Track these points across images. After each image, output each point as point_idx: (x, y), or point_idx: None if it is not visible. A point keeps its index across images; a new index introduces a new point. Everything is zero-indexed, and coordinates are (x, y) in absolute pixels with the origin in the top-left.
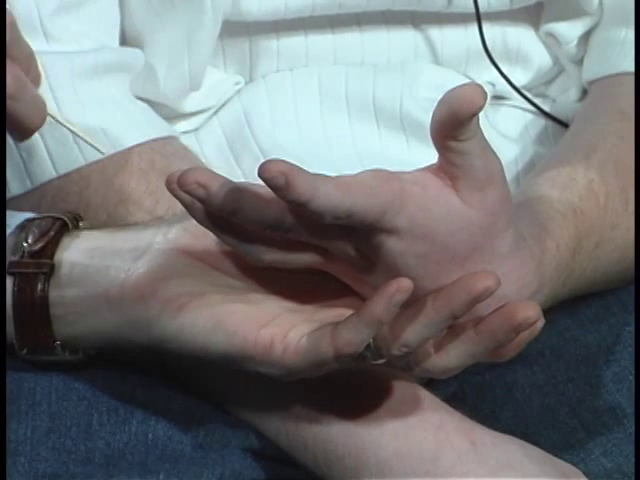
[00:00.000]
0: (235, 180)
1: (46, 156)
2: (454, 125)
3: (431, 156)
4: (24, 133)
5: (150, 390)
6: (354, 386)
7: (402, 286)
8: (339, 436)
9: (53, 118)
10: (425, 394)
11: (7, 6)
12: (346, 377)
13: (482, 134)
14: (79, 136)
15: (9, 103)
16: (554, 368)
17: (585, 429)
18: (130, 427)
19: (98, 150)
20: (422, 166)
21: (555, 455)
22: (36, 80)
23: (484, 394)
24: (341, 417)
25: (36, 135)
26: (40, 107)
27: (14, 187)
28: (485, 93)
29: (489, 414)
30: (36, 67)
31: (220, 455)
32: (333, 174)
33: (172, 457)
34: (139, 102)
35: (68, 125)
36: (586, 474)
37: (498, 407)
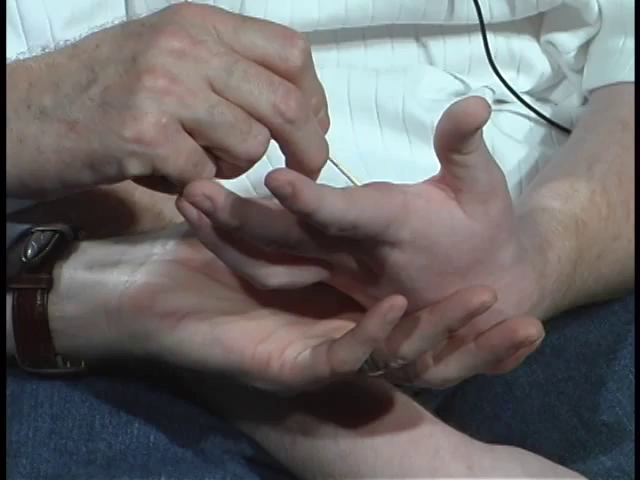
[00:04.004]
0: (241, 184)
1: None
2: (457, 138)
3: (434, 157)
4: (304, 170)
5: (152, 393)
6: (352, 408)
7: (395, 304)
8: (336, 459)
9: (335, 165)
10: (423, 416)
11: None
12: (344, 399)
13: (485, 147)
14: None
15: (287, 128)
16: (554, 366)
17: (585, 428)
18: (132, 429)
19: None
20: (424, 166)
21: (555, 454)
22: (323, 124)
23: (484, 393)
24: (338, 440)
25: None
26: (321, 145)
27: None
28: (489, 107)
29: (489, 413)
30: (326, 112)
31: (221, 460)
32: (336, 176)
33: (173, 460)
34: None
35: (351, 176)
36: (586, 473)
37: (498, 406)
